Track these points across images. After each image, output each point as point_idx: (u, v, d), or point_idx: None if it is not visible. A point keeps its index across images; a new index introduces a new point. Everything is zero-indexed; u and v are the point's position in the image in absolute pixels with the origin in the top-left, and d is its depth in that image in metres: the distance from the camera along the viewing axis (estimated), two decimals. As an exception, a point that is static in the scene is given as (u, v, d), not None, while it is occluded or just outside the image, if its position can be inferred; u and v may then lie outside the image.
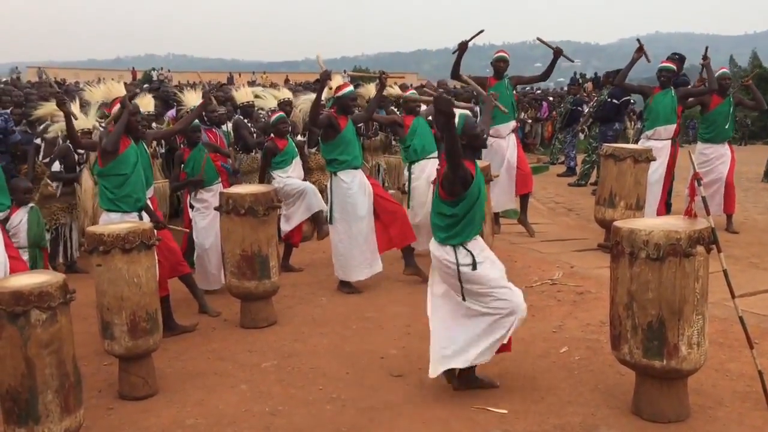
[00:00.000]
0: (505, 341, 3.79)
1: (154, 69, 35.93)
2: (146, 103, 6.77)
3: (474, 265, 3.70)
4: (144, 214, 4.82)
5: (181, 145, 6.61)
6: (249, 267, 5.11)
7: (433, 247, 3.85)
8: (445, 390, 3.99)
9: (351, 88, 6.06)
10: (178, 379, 4.31)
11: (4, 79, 18.80)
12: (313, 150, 8.12)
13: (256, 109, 8.33)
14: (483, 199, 3.82)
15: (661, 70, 7.08)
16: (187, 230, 6.04)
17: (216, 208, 5.36)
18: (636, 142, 9.83)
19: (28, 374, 3.13)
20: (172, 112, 8.65)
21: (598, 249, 6.83)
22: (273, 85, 17.28)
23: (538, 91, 18.34)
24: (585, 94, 14.22)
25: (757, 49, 33.84)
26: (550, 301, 5.48)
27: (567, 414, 3.66)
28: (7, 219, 5.16)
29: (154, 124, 7.64)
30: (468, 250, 3.73)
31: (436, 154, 6.90)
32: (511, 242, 7.28)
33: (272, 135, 6.72)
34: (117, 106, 4.82)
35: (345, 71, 16.45)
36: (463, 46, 6.61)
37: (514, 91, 7.64)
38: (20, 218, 5.55)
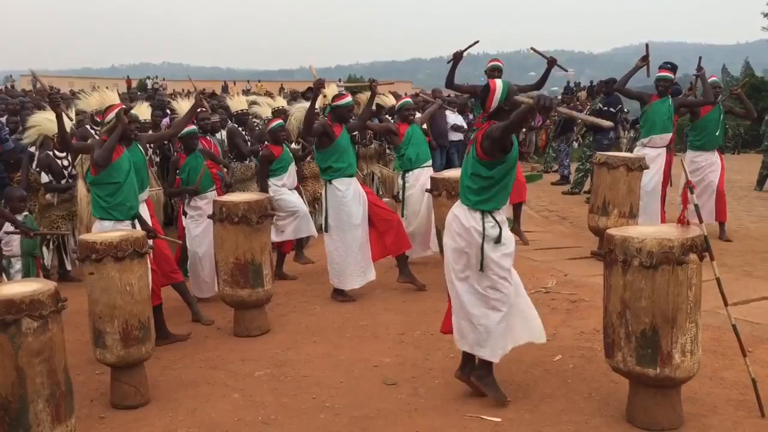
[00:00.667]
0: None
1: (149, 77, 35.96)
2: (143, 112, 6.76)
3: (499, 238, 3.69)
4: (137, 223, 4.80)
5: (176, 152, 6.60)
6: (242, 275, 5.09)
7: (460, 213, 3.77)
8: (439, 398, 3.99)
9: (350, 98, 6.08)
10: (170, 388, 4.29)
11: (-1, 88, 18.76)
12: (307, 159, 8.14)
13: (250, 117, 8.36)
14: (515, 169, 3.81)
15: (659, 79, 7.09)
16: (179, 242, 6.01)
17: (209, 216, 5.36)
18: (630, 150, 9.86)
19: (18, 383, 3.10)
20: (166, 121, 8.69)
21: (592, 257, 6.84)
22: (267, 94, 17.31)
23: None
24: (579, 103, 14.28)
25: (749, 58, 34.08)
26: (544, 309, 5.45)
27: (561, 422, 3.66)
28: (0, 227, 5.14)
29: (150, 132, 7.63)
30: (496, 221, 3.72)
31: (430, 162, 6.92)
32: (505, 251, 7.26)
33: (267, 142, 6.73)
34: (111, 114, 4.79)
35: (340, 80, 16.47)
36: (458, 56, 6.68)
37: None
38: (13, 226, 5.51)
